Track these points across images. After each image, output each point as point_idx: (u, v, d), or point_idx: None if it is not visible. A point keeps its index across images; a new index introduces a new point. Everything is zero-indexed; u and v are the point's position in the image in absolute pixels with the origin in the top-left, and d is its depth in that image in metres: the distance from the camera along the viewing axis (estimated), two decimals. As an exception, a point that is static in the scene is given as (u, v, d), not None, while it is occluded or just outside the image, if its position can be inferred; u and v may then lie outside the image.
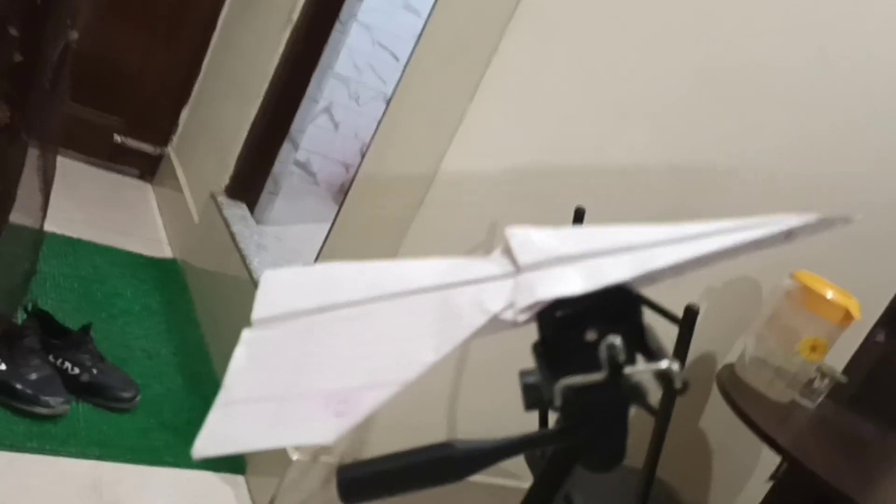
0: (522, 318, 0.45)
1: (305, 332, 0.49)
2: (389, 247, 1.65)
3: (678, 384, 0.45)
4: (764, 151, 1.85)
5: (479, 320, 0.45)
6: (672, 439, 2.14)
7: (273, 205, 2.56)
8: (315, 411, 0.42)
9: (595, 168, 1.70)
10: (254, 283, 2.04)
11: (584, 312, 0.45)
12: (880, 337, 2.23)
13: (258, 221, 2.45)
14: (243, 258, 2.12)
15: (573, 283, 0.44)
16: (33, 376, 1.67)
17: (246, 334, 0.51)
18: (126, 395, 1.78)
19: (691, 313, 1.15)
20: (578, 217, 1.52)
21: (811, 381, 1.86)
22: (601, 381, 0.45)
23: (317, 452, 1.71)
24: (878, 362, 2.23)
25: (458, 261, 0.51)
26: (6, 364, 1.66)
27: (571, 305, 0.44)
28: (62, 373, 1.73)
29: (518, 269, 0.47)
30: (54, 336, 1.77)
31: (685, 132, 1.75)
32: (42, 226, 1.62)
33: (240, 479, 1.79)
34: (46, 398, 1.65)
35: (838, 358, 2.14)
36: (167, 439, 1.77)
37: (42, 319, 1.78)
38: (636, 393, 0.45)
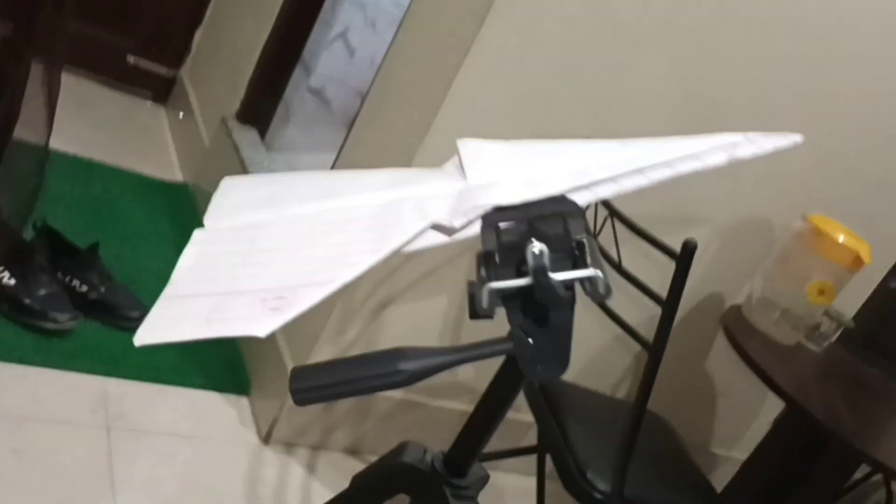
0: (459, 222, 0.44)
1: (253, 234, 0.49)
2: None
3: (602, 290, 0.45)
4: (781, 82, 1.79)
5: (419, 225, 0.45)
6: (676, 380, 2.15)
7: (284, 131, 2.54)
8: (251, 307, 0.43)
9: (608, 99, 1.66)
10: (261, 209, 2.04)
11: (526, 224, 0.44)
12: (894, 282, 2.20)
13: (269, 148, 2.43)
14: (252, 183, 2.12)
15: (512, 192, 0.44)
16: (42, 292, 1.69)
17: (197, 234, 0.51)
18: (133, 314, 1.80)
19: (688, 248, 1.13)
20: (586, 149, 1.49)
21: (818, 325, 1.84)
22: (527, 286, 0.45)
23: (319, 377, 1.73)
24: (890, 308, 2.21)
25: (411, 171, 0.50)
26: (16, 279, 1.68)
27: (514, 216, 0.44)
28: (70, 290, 1.76)
29: (465, 179, 0.47)
30: (63, 254, 1.79)
31: (700, 62, 1.70)
32: (48, 143, 1.62)
33: (243, 399, 1.82)
34: (54, 314, 1.68)
35: (851, 302, 2.12)
36: (173, 359, 1.80)
37: (50, 237, 1.80)
38: (556, 299, 0.45)
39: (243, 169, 2.19)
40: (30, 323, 1.66)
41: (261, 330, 0.42)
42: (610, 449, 1.40)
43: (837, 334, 1.88)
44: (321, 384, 0.50)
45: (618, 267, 1.31)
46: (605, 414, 1.63)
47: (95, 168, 2.34)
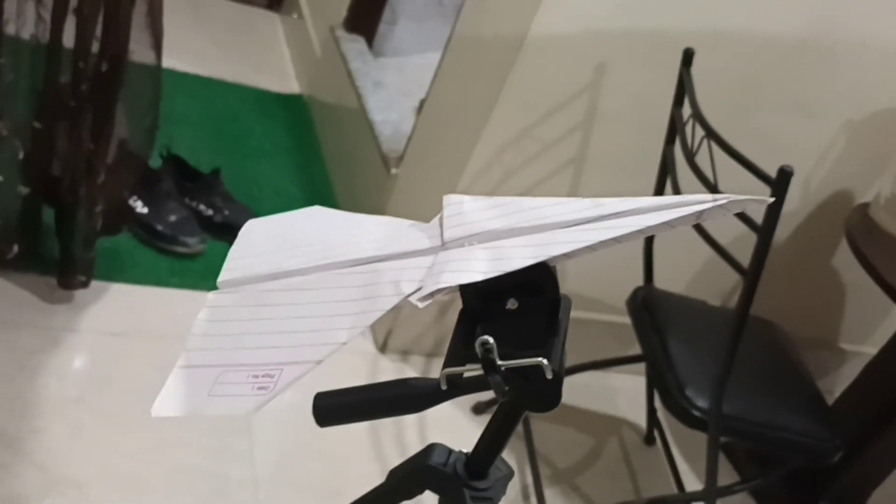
0: (423, 304, 0.46)
1: (255, 300, 0.52)
2: (494, 84, 1.61)
3: (548, 375, 0.46)
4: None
5: (392, 302, 0.47)
6: (800, 276, 2.08)
7: (393, 34, 2.53)
8: (243, 383, 0.47)
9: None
10: (370, 125, 2.08)
11: (505, 283, 0.45)
12: None
13: (378, 54, 2.44)
14: (359, 97, 2.15)
15: (476, 269, 0.45)
16: (172, 218, 1.83)
17: (210, 298, 0.55)
18: (255, 233, 1.91)
19: (784, 175, 1.08)
20: (687, 59, 1.41)
21: (953, 225, 1.71)
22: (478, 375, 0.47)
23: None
24: None
25: (402, 226, 0.52)
26: (147, 208, 1.82)
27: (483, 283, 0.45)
28: (197, 214, 1.89)
29: (442, 242, 0.48)
30: (187, 179, 1.91)
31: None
32: (160, 65, 1.63)
33: (360, 311, 1.93)
34: (185, 238, 1.82)
35: None
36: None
37: (176, 164, 1.92)
38: (501, 390, 0.47)
39: (351, 81, 2.22)
40: (163, 247, 1.81)
41: (247, 409, 0.46)
42: (712, 364, 1.39)
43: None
44: (339, 410, 0.55)
45: (713, 188, 1.27)
46: (710, 326, 1.62)
47: (215, 86, 2.44)
